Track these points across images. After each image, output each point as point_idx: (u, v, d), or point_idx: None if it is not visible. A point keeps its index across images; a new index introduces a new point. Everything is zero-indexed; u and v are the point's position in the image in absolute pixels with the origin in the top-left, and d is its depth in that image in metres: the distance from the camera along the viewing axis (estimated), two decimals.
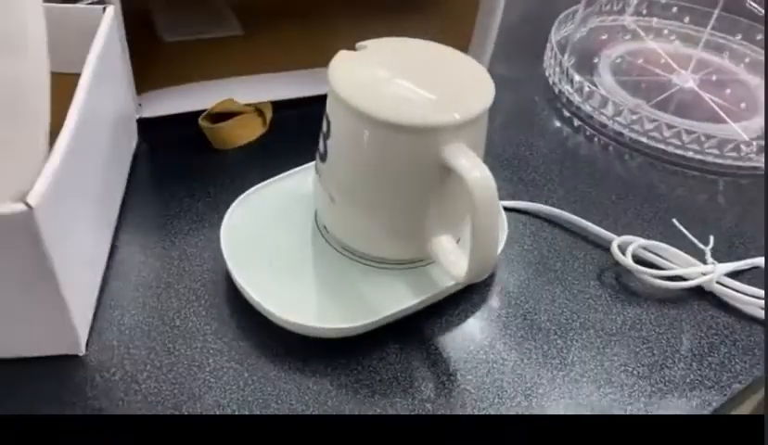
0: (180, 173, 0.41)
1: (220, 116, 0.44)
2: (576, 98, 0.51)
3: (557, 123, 0.51)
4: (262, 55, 0.51)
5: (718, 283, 0.37)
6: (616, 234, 0.39)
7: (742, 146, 0.46)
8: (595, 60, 0.56)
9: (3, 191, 0.25)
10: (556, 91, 0.53)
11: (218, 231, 0.35)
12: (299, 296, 0.32)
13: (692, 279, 0.37)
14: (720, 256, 0.39)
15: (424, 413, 0.30)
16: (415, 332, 0.33)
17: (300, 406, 0.30)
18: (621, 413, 0.31)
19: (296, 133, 0.45)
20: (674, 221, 0.41)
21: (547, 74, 0.55)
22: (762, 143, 0.46)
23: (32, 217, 0.25)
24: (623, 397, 0.32)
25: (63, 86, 0.31)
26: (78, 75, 0.32)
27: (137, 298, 0.34)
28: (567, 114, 0.51)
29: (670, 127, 0.47)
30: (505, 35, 0.56)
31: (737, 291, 0.37)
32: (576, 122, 0.51)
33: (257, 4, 0.56)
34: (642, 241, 0.39)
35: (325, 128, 0.32)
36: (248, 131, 0.44)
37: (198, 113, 0.44)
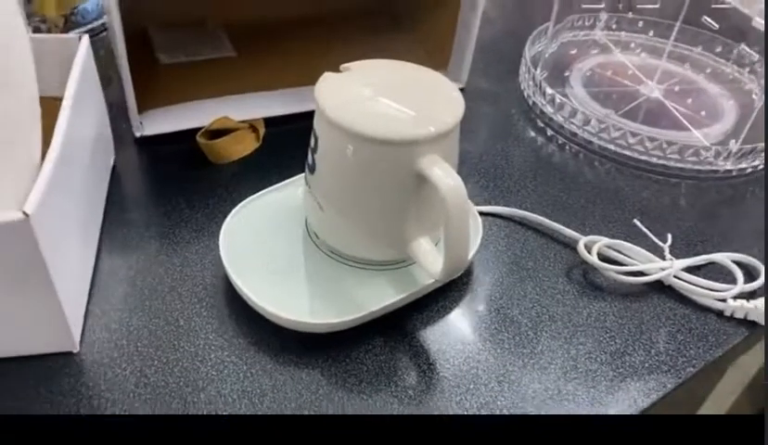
0: (180, 186, 0.45)
1: (216, 132, 0.47)
2: (548, 109, 0.55)
3: (532, 133, 0.54)
4: (254, 75, 0.54)
5: (675, 277, 0.41)
6: (583, 234, 0.43)
7: (702, 151, 0.50)
8: (567, 73, 0.59)
9: (4, 204, 0.29)
10: (531, 103, 0.57)
11: (217, 239, 0.38)
12: (292, 295, 0.36)
13: (652, 274, 0.40)
14: (678, 253, 0.43)
15: (407, 401, 0.33)
16: (398, 326, 0.37)
17: (295, 395, 0.33)
18: (585, 394, 0.34)
19: (286, 147, 0.49)
20: (636, 221, 0.44)
21: (522, 87, 0.59)
22: (721, 148, 0.50)
23: (28, 224, 0.28)
24: (587, 381, 0.35)
25: (45, 108, 0.34)
26: (57, 99, 0.35)
27: (144, 301, 0.37)
28: (540, 124, 0.55)
29: (634, 135, 0.51)
30: (484, 51, 0.60)
31: (693, 284, 0.40)
32: (549, 132, 0.54)
33: (248, 27, 0.59)
34: (606, 240, 0.42)
35: (312, 143, 0.35)
36: (242, 146, 0.48)
37: (195, 130, 0.47)
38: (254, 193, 0.41)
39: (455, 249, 0.32)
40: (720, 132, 0.54)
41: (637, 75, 0.61)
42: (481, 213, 0.44)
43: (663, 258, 0.41)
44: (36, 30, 0.55)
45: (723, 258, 0.42)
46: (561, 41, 0.64)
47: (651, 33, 0.65)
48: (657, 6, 0.61)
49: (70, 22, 0.57)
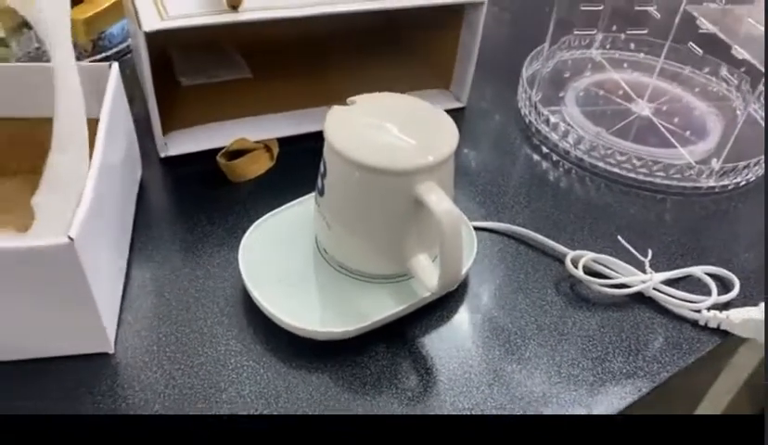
0: (201, 204, 0.49)
1: (234, 153, 0.51)
2: (543, 128, 0.58)
3: (527, 150, 0.58)
4: (269, 96, 0.58)
5: (655, 289, 0.44)
6: (572, 248, 0.46)
7: (686, 169, 0.53)
8: (561, 94, 0.63)
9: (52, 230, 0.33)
10: (527, 121, 0.60)
11: (236, 253, 0.42)
12: (304, 306, 0.40)
13: (633, 287, 0.44)
14: (659, 265, 0.46)
15: (406, 402, 0.37)
16: (398, 334, 0.40)
17: (306, 395, 0.37)
18: (567, 397, 0.38)
19: (298, 165, 0.52)
20: (619, 237, 0.48)
21: (519, 106, 0.62)
22: (703, 166, 0.54)
23: (72, 247, 0.33)
24: (569, 385, 0.39)
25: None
26: (91, 120, 0.40)
27: (171, 310, 0.41)
28: (536, 142, 0.59)
29: (623, 153, 0.54)
30: (485, 70, 0.63)
31: (671, 296, 0.44)
32: (544, 150, 0.58)
33: (264, 50, 0.63)
34: (592, 255, 0.46)
35: (322, 169, 0.39)
36: (258, 165, 0.52)
37: (214, 150, 0.51)
38: (269, 210, 0.45)
39: (450, 267, 0.36)
40: (704, 149, 0.58)
41: (629, 93, 0.64)
42: (477, 228, 0.47)
43: (644, 271, 0.45)
44: None
45: (699, 271, 0.46)
46: (559, 59, 0.68)
47: (644, 52, 0.68)
48: (645, 31, 0.64)
49: (97, 47, 0.61)
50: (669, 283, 0.45)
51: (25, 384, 0.36)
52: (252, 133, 0.53)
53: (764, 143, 0.56)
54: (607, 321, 0.43)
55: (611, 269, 0.46)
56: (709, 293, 0.44)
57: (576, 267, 0.45)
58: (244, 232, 0.44)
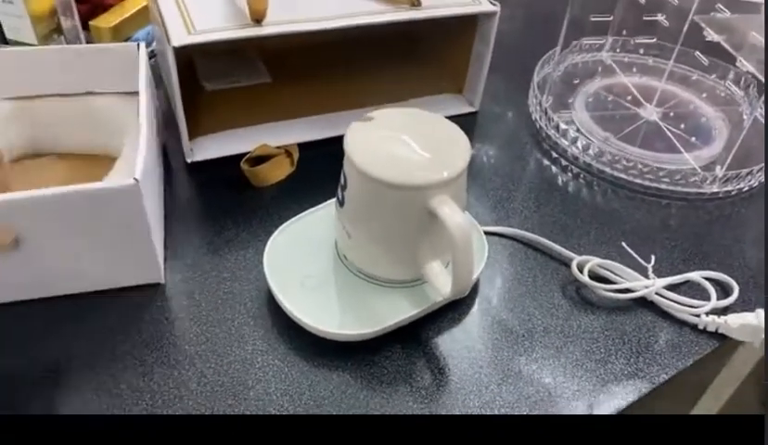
0: (226, 208, 0.52)
1: (257, 158, 0.54)
2: (553, 134, 0.60)
3: (538, 155, 0.60)
4: (289, 101, 0.61)
5: (657, 294, 0.47)
6: (578, 253, 0.49)
7: (690, 176, 0.55)
8: (571, 99, 0.65)
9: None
10: (538, 126, 0.62)
11: (260, 256, 0.45)
12: (325, 309, 0.42)
13: (636, 291, 0.46)
14: (662, 271, 0.49)
15: (420, 400, 0.40)
16: (413, 335, 0.43)
17: (327, 393, 0.40)
18: (571, 397, 0.40)
19: (318, 170, 0.55)
20: (623, 243, 0.50)
21: (531, 110, 0.64)
22: (707, 173, 0.55)
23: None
24: (573, 385, 0.41)
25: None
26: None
27: (201, 311, 0.44)
28: (546, 147, 0.61)
29: (629, 160, 0.56)
30: (498, 75, 0.66)
31: (672, 301, 0.46)
32: (554, 154, 0.60)
33: (284, 56, 0.66)
34: (598, 260, 0.48)
35: (342, 181, 0.42)
36: (279, 171, 0.54)
37: (237, 155, 0.54)
38: (291, 214, 0.48)
39: (461, 275, 0.39)
40: (710, 154, 0.59)
41: (637, 98, 0.66)
42: (488, 233, 0.50)
43: (647, 276, 0.47)
44: None
45: (699, 277, 0.48)
46: (570, 62, 0.70)
47: (653, 56, 0.70)
48: (653, 40, 0.66)
49: None
50: (671, 287, 0.47)
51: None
52: (274, 138, 0.56)
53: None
54: (610, 324, 0.45)
55: (616, 274, 0.48)
56: (709, 298, 0.46)
57: (582, 272, 0.47)
58: (268, 236, 0.46)
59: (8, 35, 0.61)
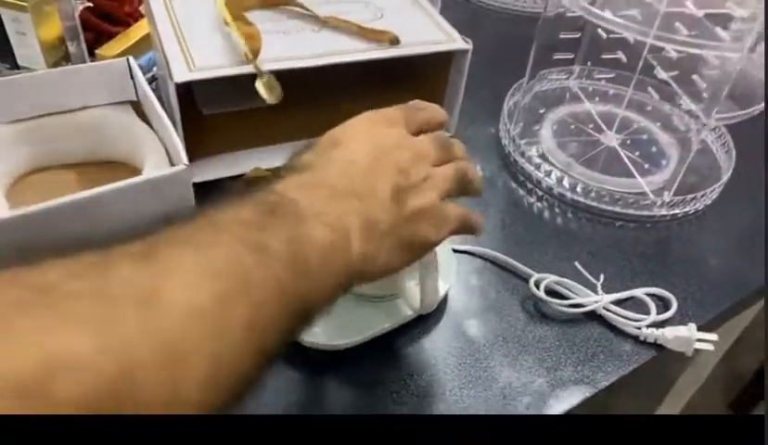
0: None
1: (251, 180, 0.60)
2: (519, 159, 0.66)
3: (506, 179, 0.66)
4: (283, 124, 0.66)
5: (605, 308, 0.53)
6: (537, 271, 0.55)
7: (642, 199, 0.62)
8: (537, 127, 0.71)
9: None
10: (507, 151, 0.68)
11: None
12: None
13: (586, 306, 0.52)
14: (611, 287, 0.55)
15: (391, 403, 0.46)
16: (387, 346, 0.49)
17: (313, 395, 0.45)
18: (523, 399, 0.46)
19: None
20: (576, 263, 0.56)
21: (501, 136, 0.70)
22: (657, 198, 0.62)
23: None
24: (526, 390, 0.47)
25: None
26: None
27: None
28: (513, 171, 0.67)
29: (587, 185, 0.62)
30: (473, 101, 0.71)
31: (617, 315, 0.52)
32: (520, 178, 0.66)
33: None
34: (554, 277, 0.54)
35: None
36: None
37: (232, 179, 0.59)
38: None
39: (428, 295, 0.45)
40: (661, 179, 0.66)
41: (599, 125, 0.72)
42: (457, 251, 0.56)
43: (596, 292, 0.53)
44: None
45: (642, 293, 0.54)
46: (540, 89, 0.76)
47: (616, 84, 0.76)
48: (612, 75, 0.72)
49: None
50: (617, 302, 0.53)
51: None
52: (267, 161, 0.61)
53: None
54: (562, 335, 0.51)
55: (569, 290, 0.54)
56: (650, 312, 0.53)
57: (539, 288, 0.53)
58: None
59: (20, 62, 0.66)
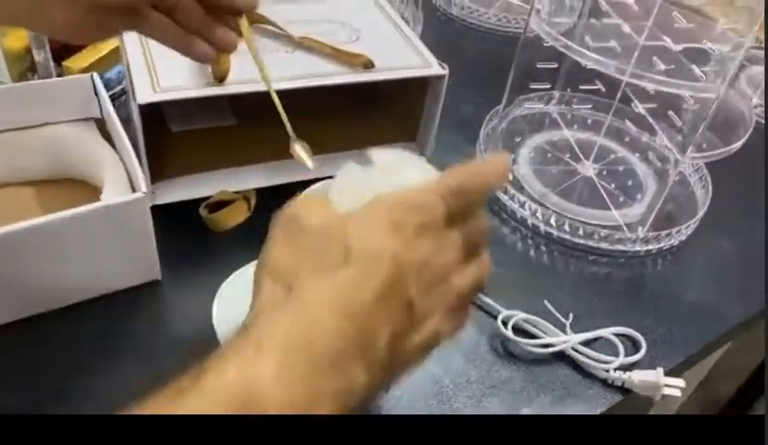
0: (184, 251, 0.55)
1: (217, 203, 0.58)
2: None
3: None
4: (251, 146, 0.64)
5: (573, 349, 0.51)
6: (507, 306, 0.54)
7: (616, 233, 0.61)
8: (513, 156, 0.69)
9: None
10: None
11: (212, 301, 0.49)
12: None
13: (555, 346, 0.51)
14: (582, 324, 0.54)
15: None
16: None
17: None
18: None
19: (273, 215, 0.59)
20: (545, 301, 0.55)
21: (476, 160, 0.69)
22: (630, 234, 0.61)
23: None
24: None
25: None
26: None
27: (153, 350, 0.48)
28: (487, 201, 0.65)
29: (560, 218, 0.61)
30: (452, 127, 0.70)
31: (585, 356, 0.51)
32: (495, 207, 0.65)
33: (250, 99, 0.69)
34: (522, 315, 0.53)
35: None
36: (236, 216, 0.58)
37: (198, 200, 0.58)
38: (245, 258, 0.52)
39: None
40: (637, 212, 0.65)
41: (577, 153, 0.71)
42: None
43: (565, 332, 0.52)
44: None
45: (611, 334, 0.53)
46: (520, 113, 0.75)
47: (595, 111, 0.75)
48: (590, 107, 0.71)
49: None
50: (587, 343, 0.52)
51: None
52: (234, 184, 0.60)
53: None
54: (529, 375, 0.50)
55: (538, 328, 0.53)
56: (619, 354, 0.52)
57: (507, 325, 0.52)
58: (221, 279, 0.50)
59: None
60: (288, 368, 0.26)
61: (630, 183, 0.68)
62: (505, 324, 0.52)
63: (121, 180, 0.54)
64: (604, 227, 0.61)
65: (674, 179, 0.59)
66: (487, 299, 0.54)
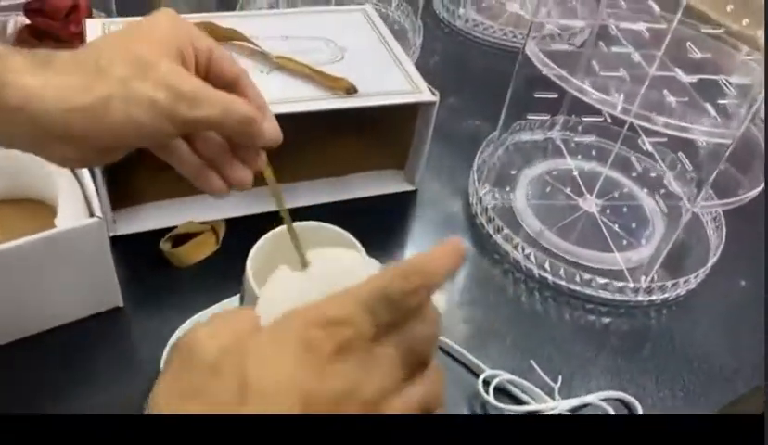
0: (142, 288, 0.51)
1: (181, 235, 0.53)
2: (487, 226, 0.60)
3: (471, 247, 0.59)
4: None
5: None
6: (492, 362, 0.49)
7: (616, 281, 0.55)
8: (508, 188, 0.64)
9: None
10: (473, 212, 0.62)
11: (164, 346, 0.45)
12: None
13: (542, 413, 0.46)
14: (572, 386, 0.48)
15: None
16: None
17: None
18: None
19: (242, 248, 0.54)
20: (532, 362, 0.50)
21: (470, 192, 0.64)
22: (632, 283, 0.55)
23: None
24: None
25: None
26: None
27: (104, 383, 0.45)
28: (480, 238, 0.60)
29: (556, 262, 0.56)
30: (445, 155, 0.65)
31: None
32: (487, 246, 0.60)
33: None
34: (506, 376, 0.48)
35: (241, 294, 0.41)
36: (202, 250, 0.54)
37: (161, 230, 0.53)
38: (208, 300, 0.47)
39: None
40: (642, 256, 0.59)
41: (579, 186, 0.65)
42: None
43: (553, 397, 0.47)
44: None
45: (602, 401, 0.48)
46: (519, 139, 0.69)
47: (601, 138, 0.69)
48: (593, 139, 0.65)
49: None
50: (576, 410, 0.47)
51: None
52: (202, 213, 0.55)
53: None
54: None
55: (523, 391, 0.48)
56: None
57: (488, 386, 0.47)
58: (180, 321, 0.46)
59: None
60: None
61: (635, 223, 0.63)
62: (487, 383, 0.47)
63: (78, 204, 0.49)
64: (604, 272, 0.56)
65: (686, 219, 0.53)
66: (469, 355, 0.49)
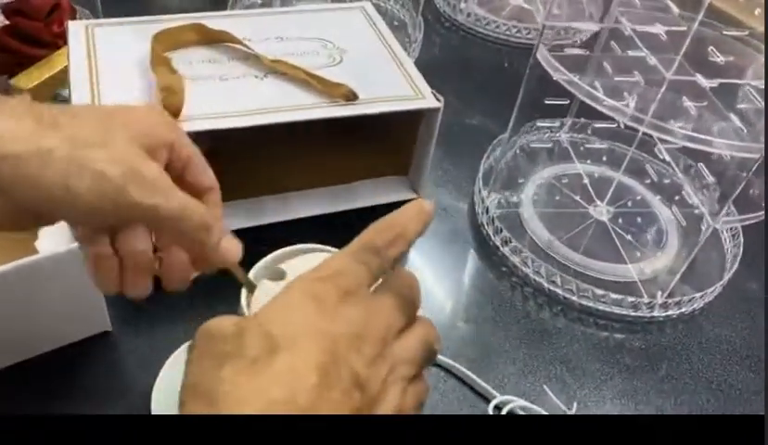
0: (132, 311, 0.48)
1: None
2: (495, 240, 0.57)
3: (477, 259, 0.57)
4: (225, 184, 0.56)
5: None
6: (501, 386, 0.46)
7: (631, 298, 0.52)
8: (515, 198, 0.61)
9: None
10: (479, 222, 0.59)
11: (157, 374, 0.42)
12: None
13: None
14: (586, 410, 0.46)
15: None
16: None
17: None
18: None
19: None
20: (545, 387, 0.47)
21: (475, 201, 0.61)
22: (646, 299, 0.53)
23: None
24: None
25: None
26: None
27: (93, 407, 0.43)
28: (487, 251, 0.57)
29: (565, 275, 0.53)
30: (450, 161, 0.62)
31: None
32: (494, 258, 0.57)
33: (204, 137, 0.62)
34: (519, 402, 0.45)
35: None
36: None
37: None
38: (200, 320, 0.44)
39: None
40: (656, 268, 0.56)
41: (590, 193, 0.62)
42: None
43: None
44: None
45: None
46: (527, 142, 0.66)
47: (613, 141, 0.66)
48: (604, 146, 0.62)
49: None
50: None
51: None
52: None
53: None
54: None
55: None
56: None
57: (500, 412, 0.44)
58: (170, 352, 0.43)
59: None
60: None
61: (649, 234, 0.60)
62: (499, 409, 0.45)
63: (60, 225, 0.47)
64: (617, 286, 0.53)
65: (719, 224, 0.50)
66: (479, 380, 0.47)
